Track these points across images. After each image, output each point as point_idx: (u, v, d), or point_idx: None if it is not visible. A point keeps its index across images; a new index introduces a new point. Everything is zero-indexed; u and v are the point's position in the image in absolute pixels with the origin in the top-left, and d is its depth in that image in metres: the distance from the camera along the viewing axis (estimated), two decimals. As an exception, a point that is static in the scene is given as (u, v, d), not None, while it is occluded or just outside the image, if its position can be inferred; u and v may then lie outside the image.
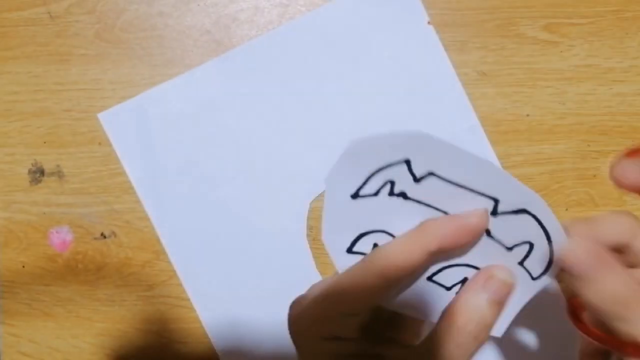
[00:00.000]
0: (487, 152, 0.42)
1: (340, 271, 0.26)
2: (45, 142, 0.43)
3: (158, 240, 0.43)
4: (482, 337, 0.25)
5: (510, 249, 0.26)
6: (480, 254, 0.26)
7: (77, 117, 0.43)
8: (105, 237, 0.43)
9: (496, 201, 0.25)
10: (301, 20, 0.43)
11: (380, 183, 0.25)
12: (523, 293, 0.26)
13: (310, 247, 0.42)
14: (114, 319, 0.43)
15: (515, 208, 0.24)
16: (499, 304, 0.25)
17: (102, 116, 0.43)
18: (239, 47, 0.43)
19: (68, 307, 0.43)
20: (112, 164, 0.43)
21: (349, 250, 0.27)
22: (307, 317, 0.26)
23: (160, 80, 0.43)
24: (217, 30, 0.44)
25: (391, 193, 0.25)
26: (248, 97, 0.43)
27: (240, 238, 0.42)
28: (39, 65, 0.43)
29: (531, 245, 0.25)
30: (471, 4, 0.43)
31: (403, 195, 0.25)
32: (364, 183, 0.25)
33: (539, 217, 0.24)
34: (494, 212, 0.25)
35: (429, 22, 0.43)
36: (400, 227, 0.26)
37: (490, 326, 0.25)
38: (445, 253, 0.25)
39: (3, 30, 0.44)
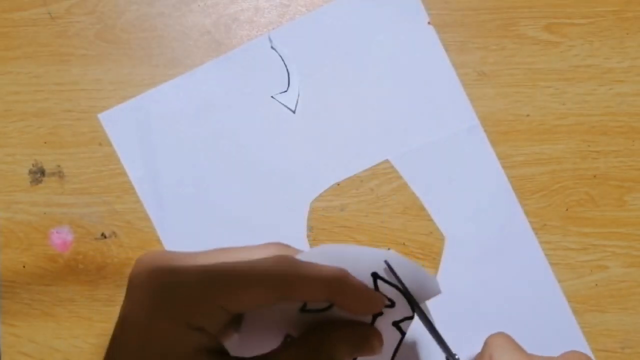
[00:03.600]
0: (487, 152, 0.42)
1: None
2: (45, 143, 0.43)
3: (159, 241, 0.43)
4: None
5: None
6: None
7: (77, 118, 0.43)
8: (105, 237, 0.43)
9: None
10: (301, 21, 0.43)
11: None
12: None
13: (310, 247, 0.42)
14: (114, 319, 0.42)
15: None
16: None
17: (103, 116, 0.43)
18: (240, 48, 0.43)
19: (68, 307, 0.43)
20: (113, 164, 0.43)
21: None
22: (182, 296, 0.23)
23: (161, 80, 0.43)
24: (218, 30, 0.44)
25: None
26: (249, 97, 0.43)
27: (240, 238, 0.42)
28: (39, 66, 0.44)
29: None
30: (471, 4, 0.43)
31: None
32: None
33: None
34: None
35: (429, 22, 0.43)
36: None
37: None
38: None
39: (4, 31, 0.44)
